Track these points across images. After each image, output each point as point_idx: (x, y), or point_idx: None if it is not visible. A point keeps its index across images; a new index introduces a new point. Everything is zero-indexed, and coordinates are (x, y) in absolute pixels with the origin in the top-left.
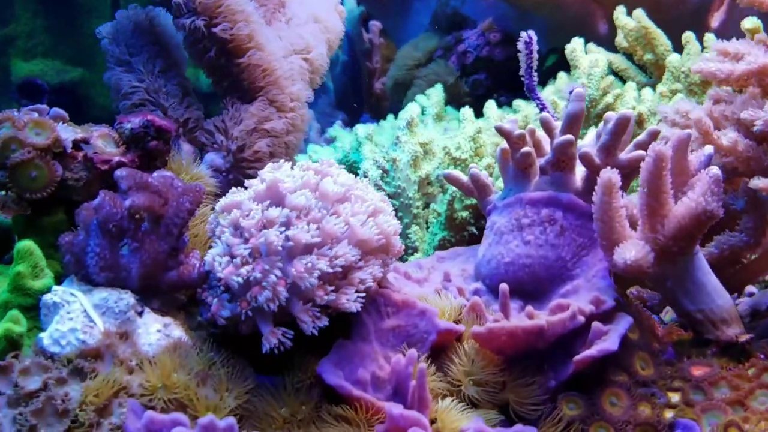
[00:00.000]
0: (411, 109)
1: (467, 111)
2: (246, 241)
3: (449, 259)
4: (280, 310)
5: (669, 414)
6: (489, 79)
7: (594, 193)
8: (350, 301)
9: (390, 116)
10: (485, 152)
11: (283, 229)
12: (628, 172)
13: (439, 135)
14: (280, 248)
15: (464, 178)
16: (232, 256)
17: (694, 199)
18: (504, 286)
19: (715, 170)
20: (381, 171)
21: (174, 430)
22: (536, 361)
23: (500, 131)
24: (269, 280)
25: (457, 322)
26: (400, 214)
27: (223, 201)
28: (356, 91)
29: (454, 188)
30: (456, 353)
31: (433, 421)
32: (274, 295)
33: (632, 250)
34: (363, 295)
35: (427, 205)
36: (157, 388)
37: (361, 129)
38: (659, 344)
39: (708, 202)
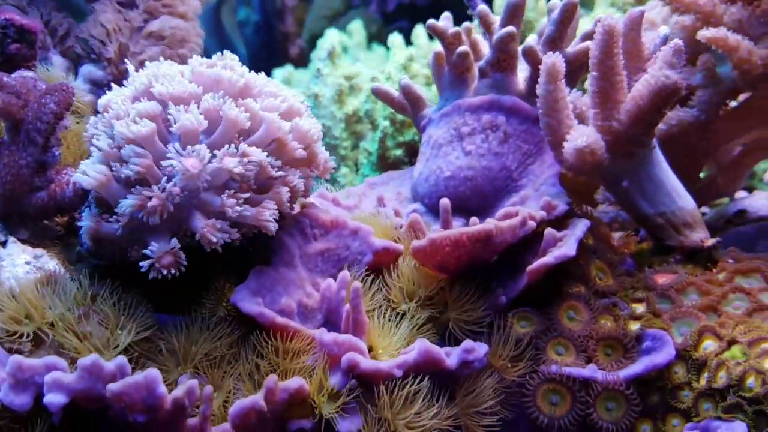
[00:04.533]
0: (330, 37)
1: (396, 38)
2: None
3: (382, 184)
4: (177, 225)
5: (635, 326)
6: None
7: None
8: (273, 217)
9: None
10: (418, 83)
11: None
12: (577, 67)
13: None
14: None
15: (394, 92)
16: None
17: (654, 74)
18: (445, 201)
19: (675, 40)
20: None
21: (49, 376)
22: (483, 278)
23: (433, 29)
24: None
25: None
26: None
27: (100, 101)
28: (271, 56)
29: (385, 124)
30: (394, 274)
31: (370, 349)
32: (162, 202)
33: (583, 135)
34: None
35: (356, 146)
36: (20, 322)
37: (278, 73)
38: (616, 255)
39: (669, 74)
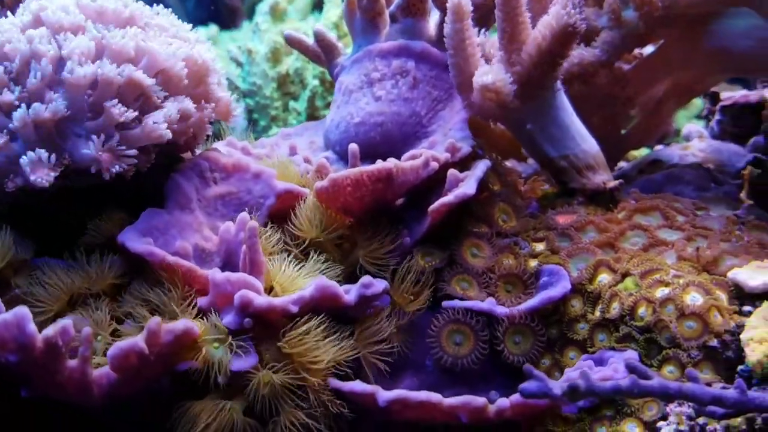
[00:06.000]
0: None
1: None
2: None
3: (296, 134)
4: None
5: (534, 263)
6: None
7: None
8: (160, 124)
9: (245, 22)
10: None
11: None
12: (489, 10)
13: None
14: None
15: (308, 40)
16: None
17: (554, 15)
18: (353, 146)
19: None
20: (234, 63)
21: None
22: (391, 223)
23: None
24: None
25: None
26: (255, 116)
27: None
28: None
29: (314, 83)
30: (299, 217)
31: (270, 290)
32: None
33: (489, 73)
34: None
35: (288, 106)
36: None
37: (201, 32)
38: (523, 199)
39: (569, 14)
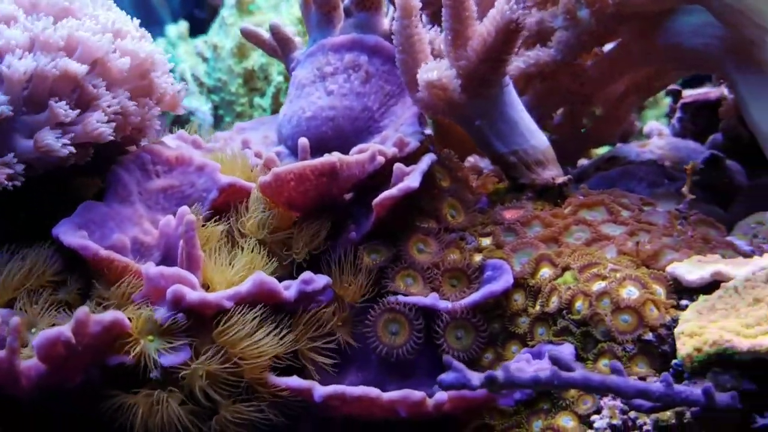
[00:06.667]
0: None
1: None
2: None
3: (251, 129)
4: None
5: (478, 257)
6: None
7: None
8: (101, 123)
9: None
10: None
11: None
12: (440, 8)
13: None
14: None
15: (264, 33)
16: None
17: (498, 10)
18: (303, 140)
19: None
20: (200, 59)
21: None
22: (339, 216)
23: None
24: None
25: None
26: (221, 112)
27: None
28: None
29: (279, 79)
30: (243, 212)
31: (208, 285)
32: None
33: (434, 69)
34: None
35: (253, 103)
36: None
37: (172, 29)
38: (473, 195)
39: (513, 9)
